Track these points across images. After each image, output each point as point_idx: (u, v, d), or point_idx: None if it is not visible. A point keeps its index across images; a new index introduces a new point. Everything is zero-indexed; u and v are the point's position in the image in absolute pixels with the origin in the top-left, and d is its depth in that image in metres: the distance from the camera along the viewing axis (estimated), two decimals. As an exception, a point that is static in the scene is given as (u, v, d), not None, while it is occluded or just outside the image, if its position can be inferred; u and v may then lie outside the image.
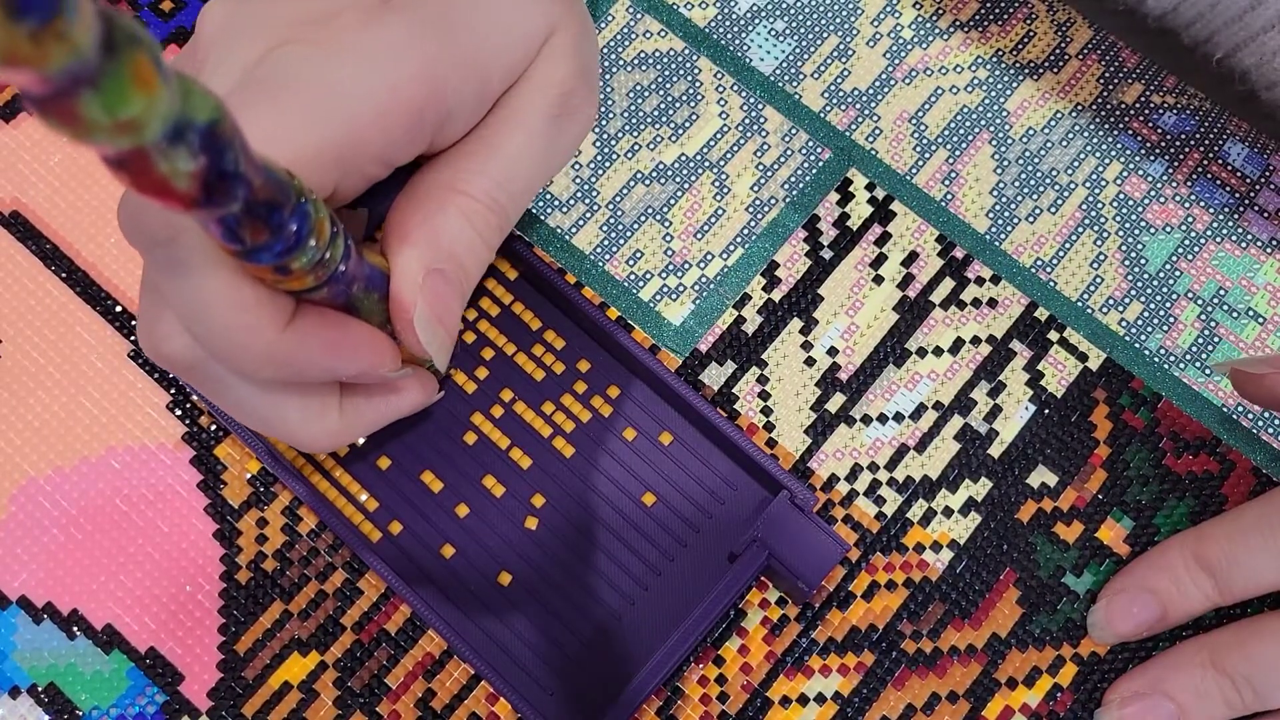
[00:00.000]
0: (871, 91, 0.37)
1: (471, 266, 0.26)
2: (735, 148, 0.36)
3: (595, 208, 0.35)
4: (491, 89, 0.26)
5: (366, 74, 0.23)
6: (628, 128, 0.36)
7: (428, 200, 0.26)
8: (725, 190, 0.35)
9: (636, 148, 0.36)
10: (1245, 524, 0.30)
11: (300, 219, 0.20)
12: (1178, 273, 0.35)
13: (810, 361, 0.34)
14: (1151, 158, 0.36)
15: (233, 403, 0.25)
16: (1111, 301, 0.35)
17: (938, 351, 0.34)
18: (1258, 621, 0.30)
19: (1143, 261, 0.35)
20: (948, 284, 0.35)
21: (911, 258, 0.35)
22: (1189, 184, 0.36)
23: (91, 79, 0.13)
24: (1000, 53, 0.37)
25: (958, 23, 0.38)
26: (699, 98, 0.36)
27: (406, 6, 0.24)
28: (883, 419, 0.33)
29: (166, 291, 0.22)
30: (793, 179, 0.36)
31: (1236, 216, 0.36)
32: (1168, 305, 0.35)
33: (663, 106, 0.36)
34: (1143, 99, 0.37)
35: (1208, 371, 0.34)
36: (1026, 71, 0.37)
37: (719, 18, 0.37)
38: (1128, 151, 0.36)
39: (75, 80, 0.13)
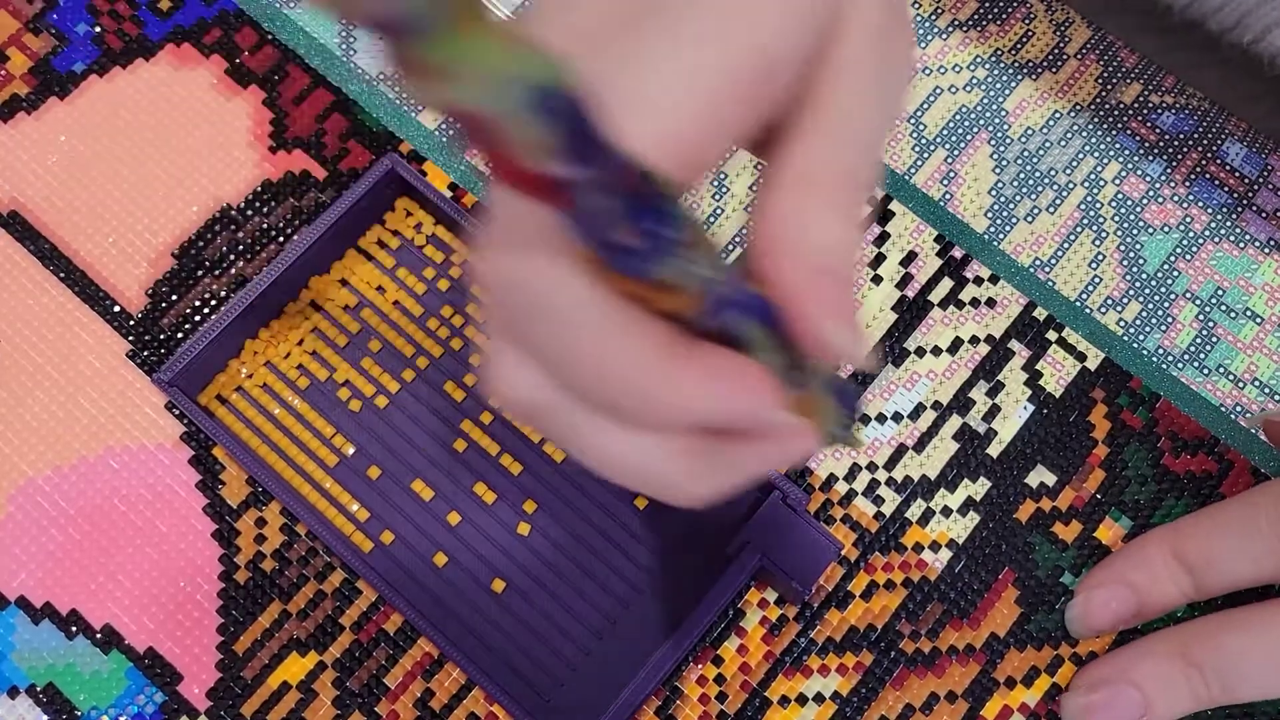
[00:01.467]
0: (870, 91, 0.37)
1: (849, 255, 0.22)
2: (733, 147, 0.36)
3: (594, 207, 0.35)
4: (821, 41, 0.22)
5: None
6: (626, 127, 0.36)
7: (786, 201, 0.22)
8: (724, 190, 0.35)
9: (635, 147, 0.36)
10: (1224, 522, 0.30)
11: (671, 218, 0.18)
12: (1176, 273, 0.35)
13: (809, 361, 0.34)
14: (1150, 157, 0.36)
15: (590, 449, 0.22)
16: (1110, 301, 0.35)
17: (936, 351, 0.34)
18: (1229, 615, 0.30)
19: (1141, 261, 0.35)
20: (946, 284, 0.35)
21: (910, 257, 0.35)
22: (1187, 184, 0.36)
23: (420, 25, 0.13)
24: (999, 52, 0.37)
25: (956, 22, 0.38)
26: (698, 97, 0.36)
27: None
28: (881, 418, 0.33)
29: (523, 326, 0.20)
30: (791, 179, 0.36)
31: (1235, 217, 0.36)
32: (1166, 305, 0.35)
33: (661, 106, 0.36)
34: (1141, 99, 0.37)
35: (1205, 372, 0.34)
36: (1025, 71, 0.37)
37: (718, 17, 0.37)
38: (1126, 151, 0.36)
39: (406, 23, 0.13)
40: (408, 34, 0.13)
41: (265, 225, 0.35)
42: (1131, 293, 0.35)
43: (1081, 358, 0.34)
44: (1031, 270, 0.35)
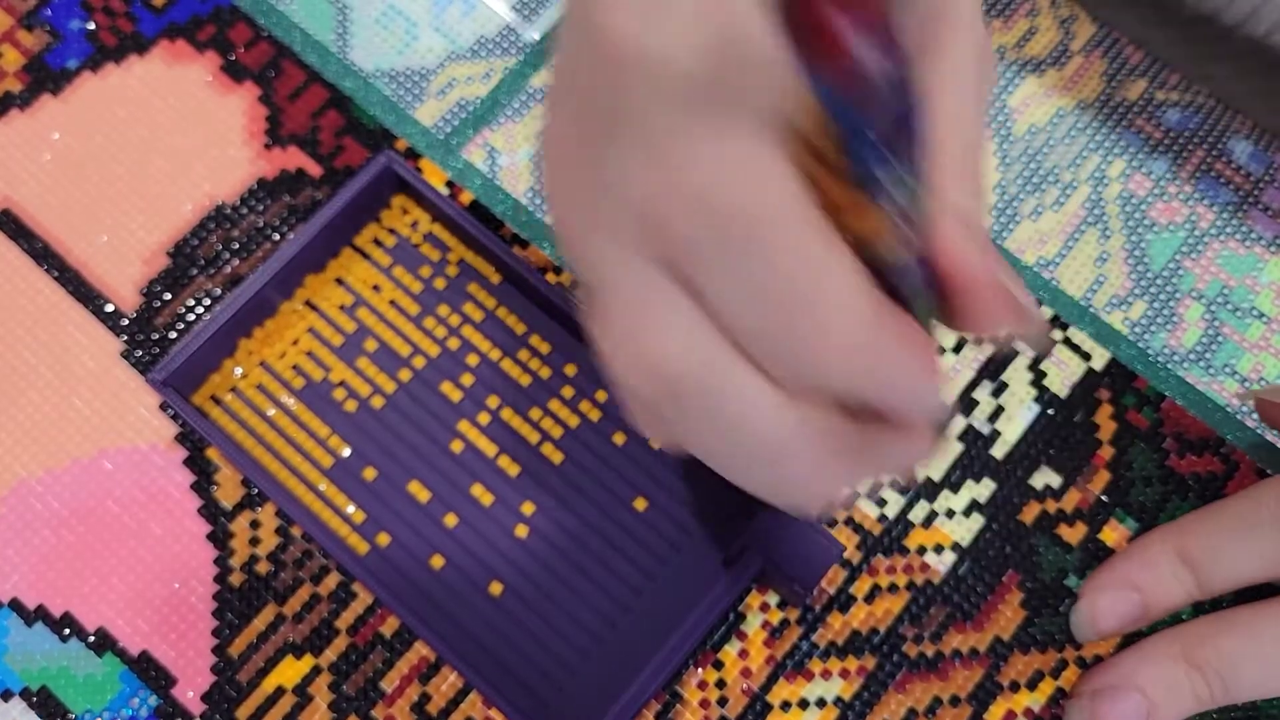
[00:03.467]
0: (872, 88, 0.36)
1: (985, 237, 0.21)
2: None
3: (593, 205, 0.35)
4: None
5: None
6: (626, 124, 0.36)
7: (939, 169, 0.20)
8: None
9: (635, 145, 0.35)
10: (1227, 519, 0.30)
11: (917, 131, 0.17)
12: (1182, 271, 0.35)
13: (810, 361, 0.33)
14: (1155, 155, 0.36)
15: (731, 421, 0.19)
16: (1115, 300, 0.34)
17: (940, 351, 0.34)
18: (1229, 615, 0.30)
19: (1146, 260, 0.35)
20: (949, 283, 0.34)
21: (913, 256, 0.35)
22: (1193, 182, 0.36)
23: None
24: (1003, 49, 0.37)
25: (959, 18, 0.37)
26: (698, 94, 0.36)
27: None
28: (884, 419, 0.33)
29: (708, 242, 0.17)
30: (793, 176, 0.35)
31: (1241, 215, 0.36)
32: (1172, 304, 0.34)
33: (661, 103, 0.36)
34: (1146, 96, 0.37)
35: (1211, 371, 0.34)
36: (1029, 68, 0.37)
37: (718, 13, 0.37)
38: (1131, 149, 0.36)
39: None
40: None
41: (260, 223, 0.34)
42: (1137, 291, 0.35)
43: (1087, 357, 0.34)
44: (1036, 269, 0.35)
